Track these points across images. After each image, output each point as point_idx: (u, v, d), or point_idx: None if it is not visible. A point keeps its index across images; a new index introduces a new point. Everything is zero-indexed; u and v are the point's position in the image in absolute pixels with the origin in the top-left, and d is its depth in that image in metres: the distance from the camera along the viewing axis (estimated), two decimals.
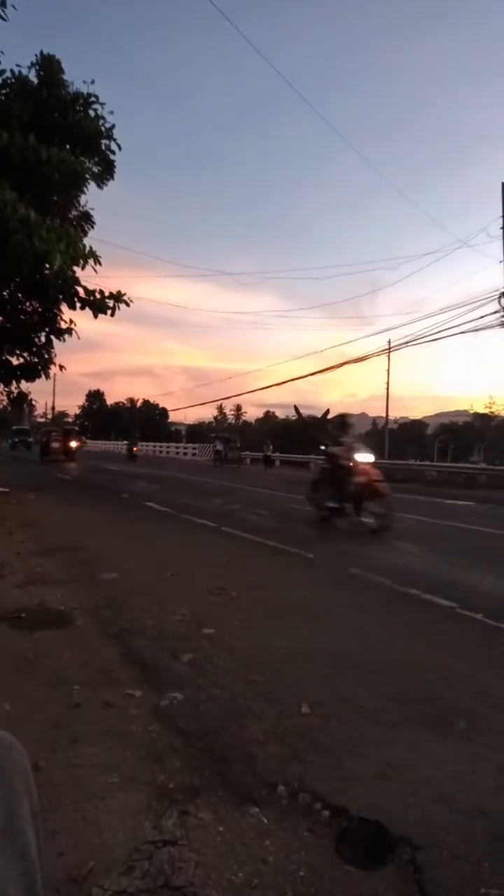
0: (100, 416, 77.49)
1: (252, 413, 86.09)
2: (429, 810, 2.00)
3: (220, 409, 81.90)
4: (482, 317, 21.35)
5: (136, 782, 2.14)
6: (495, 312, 20.84)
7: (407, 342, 27.59)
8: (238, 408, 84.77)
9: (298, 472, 28.33)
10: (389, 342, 30.01)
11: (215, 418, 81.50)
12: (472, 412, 68.07)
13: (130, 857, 1.75)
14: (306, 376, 35.71)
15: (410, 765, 2.29)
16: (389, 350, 30.57)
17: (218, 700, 2.85)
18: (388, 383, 36.29)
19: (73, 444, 31.18)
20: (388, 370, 35.67)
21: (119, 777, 2.17)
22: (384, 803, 2.03)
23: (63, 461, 28.27)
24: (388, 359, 33.87)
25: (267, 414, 76.92)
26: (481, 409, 62.67)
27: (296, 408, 50.38)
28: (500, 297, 20.72)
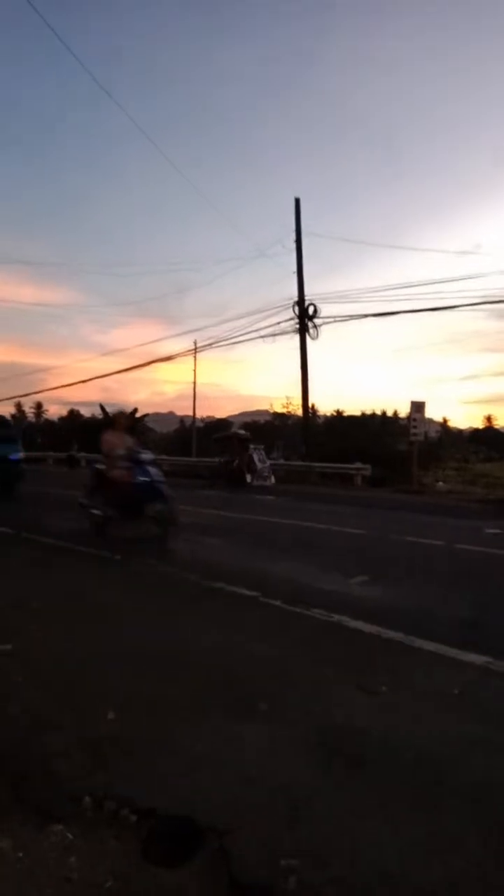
0: None
1: (55, 411, 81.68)
2: (234, 795, 2.08)
3: (19, 406, 76.39)
4: (279, 322, 22.74)
5: None
6: (290, 319, 22.37)
7: (211, 344, 28.43)
8: (39, 405, 79.99)
9: None
10: (195, 343, 30.61)
11: (13, 416, 75.85)
12: (271, 411, 72.51)
13: None
14: (113, 374, 35.12)
15: (216, 754, 2.37)
16: (196, 350, 31.20)
17: (16, 719, 2.66)
18: (195, 382, 36.98)
19: None
20: (195, 370, 36.37)
21: None
22: (192, 796, 2.07)
23: None
24: (195, 359, 34.59)
25: (71, 412, 73.57)
26: (279, 409, 67.03)
27: (101, 406, 48.98)
28: (293, 305, 22.30)
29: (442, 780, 2.20)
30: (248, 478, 19.01)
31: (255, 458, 19.80)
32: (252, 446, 20.25)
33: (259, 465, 19.65)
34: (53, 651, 3.53)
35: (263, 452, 20.56)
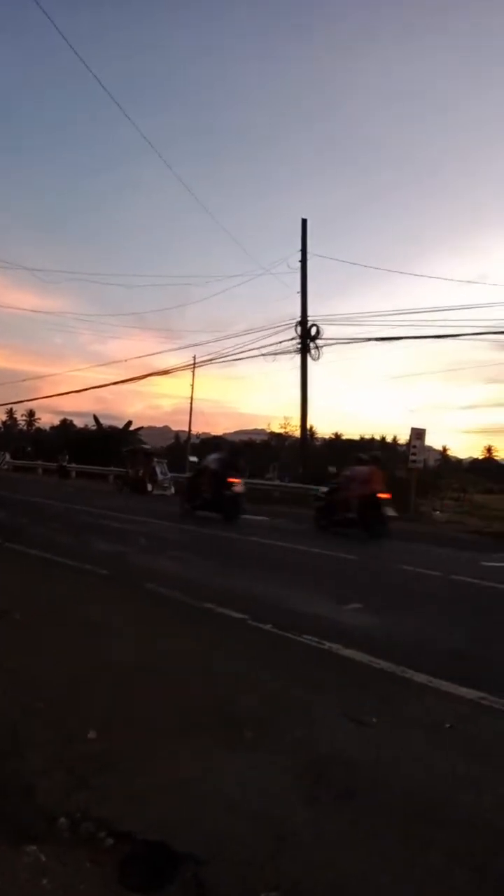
0: None
1: (47, 420, 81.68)
2: (215, 822, 2.01)
3: (10, 413, 76.35)
4: (281, 342, 22.81)
5: None
6: (292, 339, 22.45)
7: (211, 359, 28.50)
8: (31, 413, 79.93)
9: (96, 484, 27.43)
10: (195, 358, 30.72)
11: (4, 423, 75.79)
12: (269, 431, 72.60)
13: None
14: (109, 385, 35.27)
15: (199, 778, 2.29)
16: (194, 366, 31.28)
17: None
18: (192, 398, 37.00)
19: None
20: (193, 385, 36.36)
21: None
22: (171, 821, 2.00)
23: None
24: (193, 374, 34.54)
25: (64, 422, 73.42)
26: (277, 429, 67.09)
27: (96, 418, 48.95)
28: (296, 325, 22.39)
29: (431, 817, 2.13)
30: (150, 487, 21.57)
31: (158, 470, 22.46)
32: (156, 460, 23.14)
33: (160, 476, 22.28)
34: (35, 665, 3.45)
35: (165, 466, 23.49)
